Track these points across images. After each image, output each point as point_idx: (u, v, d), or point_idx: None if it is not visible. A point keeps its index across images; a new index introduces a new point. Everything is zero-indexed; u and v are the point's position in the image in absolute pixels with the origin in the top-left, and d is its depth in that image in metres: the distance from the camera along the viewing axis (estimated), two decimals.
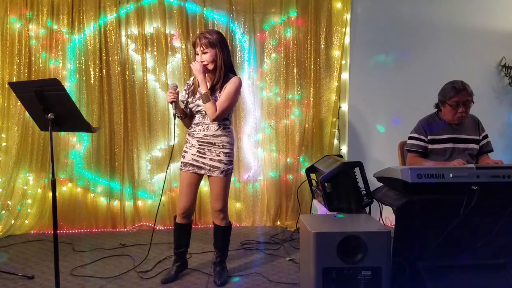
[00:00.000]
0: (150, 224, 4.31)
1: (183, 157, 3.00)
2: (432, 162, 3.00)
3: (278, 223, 4.49)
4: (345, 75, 4.44)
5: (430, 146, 3.09)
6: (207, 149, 2.91)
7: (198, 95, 2.90)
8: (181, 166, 3.01)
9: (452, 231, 2.28)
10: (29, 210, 4.20)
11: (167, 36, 4.22)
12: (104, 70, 4.20)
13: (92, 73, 4.19)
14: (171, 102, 2.85)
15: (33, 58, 4.15)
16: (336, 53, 4.39)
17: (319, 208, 3.01)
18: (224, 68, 2.85)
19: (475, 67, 4.41)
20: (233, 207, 4.46)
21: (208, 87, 2.86)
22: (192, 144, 2.95)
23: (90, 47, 4.18)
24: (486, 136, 3.15)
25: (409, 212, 2.33)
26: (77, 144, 4.29)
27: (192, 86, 2.99)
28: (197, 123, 2.94)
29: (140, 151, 4.31)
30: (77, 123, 2.58)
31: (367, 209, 2.76)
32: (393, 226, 2.47)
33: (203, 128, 2.91)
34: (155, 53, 4.25)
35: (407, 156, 3.20)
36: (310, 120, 4.42)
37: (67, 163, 4.25)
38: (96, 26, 4.16)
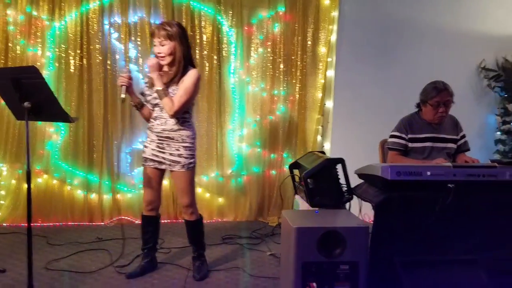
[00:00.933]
0: (129, 218, 4.34)
1: (144, 152, 3.01)
2: (413, 160, 3.12)
3: (260, 218, 4.56)
4: (330, 73, 4.53)
5: (410, 144, 3.20)
6: (166, 144, 2.92)
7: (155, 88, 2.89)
8: (142, 161, 3.03)
9: (428, 228, 2.39)
10: (2, 202, 4.17)
11: (151, 26, 4.19)
12: (84, 59, 4.17)
13: (72, 61, 4.16)
14: (121, 86, 2.85)
15: (10, 44, 4.08)
16: (322, 50, 4.48)
17: (301, 203, 3.08)
18: (183, 61, 2.86)
19: (457, 68, 4.58)
20: (215, 202, 4.50)
21: (167, 80, 2.88)
22: (152, 139, 2.96)
23: (70, 35, 4.14)
24: (464, 136, 3.29)
25: (388, 208, 2.42)
26: (54, 134, 4.25)
27: (150, 79, 2.98)
28: (156, 117, 2.94)
29: (120, 143, 4.30)
30: (55, 113, 2.55)
31: (347, 205, 2.84)
32: (372, 222, 2.56)
33: (161, 123, 2.91)
34: (138, 43, 4.25)
35: (388, 154, 3.31)
36: (295, 117, 4.50)
37: (43, 154, 4.21)
38: (77, 13, 4.12)
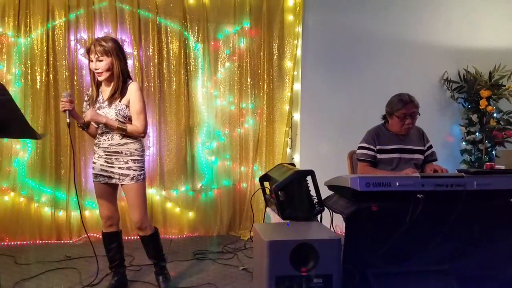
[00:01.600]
0: (98, 235, 4.17)
1: (93, 168, 2.93)
2: (383, 171, 3.10)
3: (232, 232, 4.49)
4: (297, 86, 4.53)
5: (378, 155, 3.18)
6: (115, 158, 2.85)
7: (97, 104, 2.85)
8: (93, 177, 2.95)
9: (399, 238, 2.36)
10: None
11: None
12: (51, 75, 4.07)
13: (38, 78, 4.05)
14: (64, 111, 2.75)
15: None
16: (288, 64, 4.48)
17: (272, 216, 3.03)
18: (122, 76, 2.81)
19: (420, 80, 4.64)
20: (186, 217, 4.41)
21: (107, 96, 2.83)
22: (99, 155, 2.89)
23: (37, 51, 4.04)
24: (430, 147, 3.29)
25: (358, 219, 2.39)
26: (20, 151, 4.11)
27: (90, 97, 2.92)
28: (101, 133, 2.87)
29: (87, 159, 4.18)
30: (22, 130, 2.46)
31: (319, 217, 2.79)
32: (343, 234, 2.51)
33: (107, 138, 2.85)
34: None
35: (357, 165, 3.28)
36: (264, 129, 4.47)
37: (10, 171, 4.07)
38: (43, 29, 4.03)
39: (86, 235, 4.15)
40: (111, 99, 2.81)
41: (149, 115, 4.26)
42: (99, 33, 4.12)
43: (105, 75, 2.78)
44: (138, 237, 3.07)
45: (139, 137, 2.87)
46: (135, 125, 2.82)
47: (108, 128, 2.83)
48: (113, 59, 2.77)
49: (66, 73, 4.09)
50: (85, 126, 2.88)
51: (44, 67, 4.05)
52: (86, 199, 4.20)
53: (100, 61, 2.75)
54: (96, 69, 2.77)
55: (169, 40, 4.28)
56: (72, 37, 4.10)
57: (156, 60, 4.23)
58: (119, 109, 2.80)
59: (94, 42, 2.80)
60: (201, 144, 4.43)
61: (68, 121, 2.73)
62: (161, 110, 4.30)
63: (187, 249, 3.99)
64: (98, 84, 2.88)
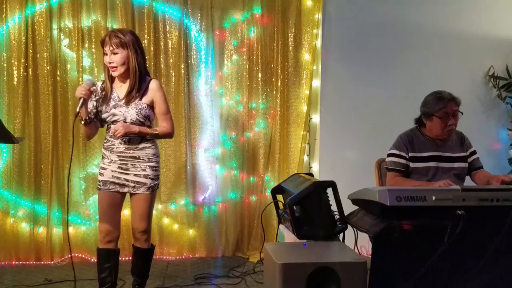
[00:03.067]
0: (83, 256, 4.23)
1: (101, 174, 3.00)
2: (416, 182, 3.09)
3: (239, 253, 4.50)
4: (316, 83, 4.54)
5: (411, 164, 3.18)
6: (131, 164, 2.96)
7: (112, 102, 2.95)
8: (99, 185, 3.01)
9: (435, 261, 2.34)
10: None
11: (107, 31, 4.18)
12: (30, 70, 4.13)
13: (15, 72, 4.11)
14: (79, 98, 2.84)
15: None
16: (306, 57, 4.49)
17: (286, 235, 3.02)
18: (139, 72, 2.92)
19: (460, 76, 4.62)
20: (186, 235, 4.43)
21: (124, 94, 2.93)
22: (112, 160, 2.97)
23: (13, 42, 4.10)
24: (474, 152, 3.28)
25: (387, 239, 2.37)
26: None
27: (104, 92, 3.00)
28: (112, 138, 2.97)
29: (72, 167, 4.19)
30: None
31: (341, 236, 2.79)
32: (370, 256, 2.50)
33: (124, 141, 2.95)
34: (93, 50, 4.22)
35: (386, 175, 3.28)
36: (277, 133, 4.48)
37: None
38: (21, 17, 4.08)
39: (69, 256, 4.20)
40: (129, 97, 2.92)
41: None
42: (86, 22, 4.18)
43: (120, 69, 2.89)
44: (132, 247, 3.17)
45: (168, 138, 3.10)
46: (164, 127, 3.00)
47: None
48: (129, 52, 2.88)
49: (48, 67, 4.13)
50: (89, 121, 2.95)
51: (22, 60, 4.10)
52: (70, 214, 4.18)
53: (115, 53, 2.86)
54: (110, 63, 2.87)
55: (167, 30, 4.32)
56: (54, 26, 4.15)
57: (152, 53, 4.26)
58: (140, 108, 2.91)
59: (109, 33, 2.91)
60: (203, 150, 4.44)
61: (77, 110, 2.83)
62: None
63: (186, 273, 4.00)
64: (112, 80, 2.98)
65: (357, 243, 2.74)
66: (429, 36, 4.62)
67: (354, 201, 2.73)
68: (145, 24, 4.25)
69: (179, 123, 4.34)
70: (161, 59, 4.31)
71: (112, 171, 2.97)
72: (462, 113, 3.17)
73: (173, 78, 4.34)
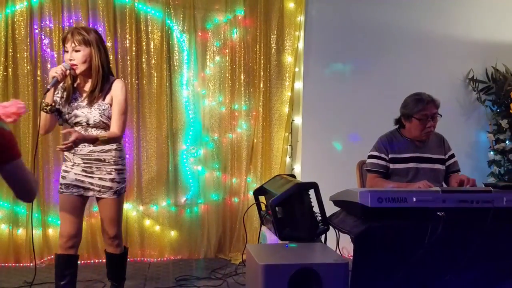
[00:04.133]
0: None
1: (63, 178, 2.90)
2: (395, 183, 3.11)
3: (221, 255, 4.48)
4: (298, 84, 4.55)
5: (391, 165, 3.21)
6: (96, 167, 2.87)
7: (74, 103, 2.84)
8: (61, 188, 2.91)
9: (415, 262, 2.35)
10: None
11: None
12: (10, 69, 4.09)
13: None
14: (53, 77, 2.71)
15: None
16: (288, 59, 4.50)
17: (268, 236, 3.03)
18: (102, 71, 2.83)
19: (440, 79, 4.66)
20: (167, 236, 4.41)
21: (86, 94, 2.83)
22: (75, 163, 2.88)
23: None
24: (452, 156, 3.31)
25: (369, 240, 2.38)
26: None
27: (66, 92, 2.88)
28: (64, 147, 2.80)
29: (51, 167, 4.17)
30: None
31: (323, 237, 2.79)
32: (351, 257, 2.51)
33: (88, 144, 2.84)
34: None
35: (367, 177, 3.30)
36: (259, 135, 4.48)
37: None
38: (1, 16, 4.04)
39: (49, 257, 4.14)
40: (91, 97, 2.82)
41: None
42: (67, 22, 4.13)
43: (81, 68, 2.79)
44: (134, 259, 3.11)
45: (116, 142, 2.89)
46: (112, 129, 2.83)
47: (87, 132, 2.83)
48: (92, 50, 2.79)
49: (28, 67, 4.09)
50: (53, 109, 2.79)
51: (2, 59, 4.06)
52: (49, 215, 4.18)
53: (77, 51, 2.76)
54: (71, 60, 2.77)
55: (149, 30, 4.30)
56: (35, 25, 4.11)
57: (133, 53, 4.24)
58: (103, 109, 2.83)
59: (72, 29, 2.81)
60: (185, 151, 4.43)
61: (48, 87, 2.70)
62: (139, 111, 4.30)
63: (168, 275, 3.98)
64: (73, 79, 2.87)
65: (339, 244, 2.74)
66: (410, 38, 4.65)
67: (336, 203, 2.74)
68: (127, 25, 4.22)
69: (161, 124, 4.34)
70: (143, 59, 4.29)
71: (75, 174, 2.86)
72: (441, 116, 3.20)
73: (155, 78, 4.32)
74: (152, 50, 4.31)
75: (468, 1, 4.80)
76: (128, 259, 4.21)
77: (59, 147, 2.66)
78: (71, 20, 4.14)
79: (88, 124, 2.82)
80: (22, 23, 4.08)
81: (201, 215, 4.47)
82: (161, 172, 4.37)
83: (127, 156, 4.23)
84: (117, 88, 2.87)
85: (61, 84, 2.86)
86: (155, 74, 4.32)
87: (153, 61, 4.31)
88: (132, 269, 4.01)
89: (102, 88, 2.84)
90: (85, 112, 2.82)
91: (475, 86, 4.81)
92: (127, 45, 4.23)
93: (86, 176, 2.87)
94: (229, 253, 4.48)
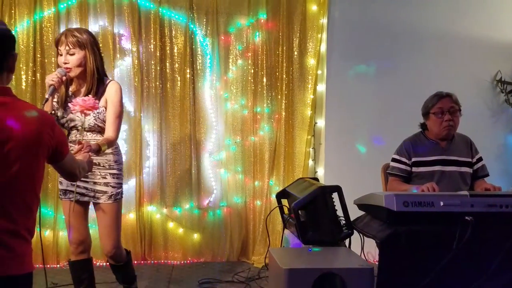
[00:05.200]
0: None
1: (61, 183, 2.87)
2: (407, 186, 3.11)
3: (244, 258, 4.48)
4: (321, 87, 4.52)
5: (415, 169, 3.18)
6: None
7: (71, 107, 2.75)
8: (60, 194, 2.89)
9: (443, 268, 2.31)
10: None
11: (115, 36, 4.19)
12: (38, 74, 4.13)
13: (23, 77, 4.12)
14: (49, 86, 2.64)
15: None
16: (311, 61, 4.47)
17: (291, 240, 3.00)
18: (97, 74, 2.78)
19: (467, 80, 4.55)
20: (190, 239, 4.41)
21: (82, 94, 2.78)
22: None
23: (22, 47, 4.10)
24: (480, 159, 3.24)
25: (395, 245, 2.34)
26: None
27: (60, 96, 2.82)
28: (74, 141, 2.78)
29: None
30: None
31: (347, 241, 2.75)
32: (377, 262, 2.48)
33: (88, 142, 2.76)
34: (102, 55, 4.19)
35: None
36: (282, 138, 4.46)
37: None
38: (30, 22, 4.10)
39: None
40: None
41: (149, 120, 4.30)
42: (93, 27, 4.17)
43: (76, 71, 2.73)
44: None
45: (113, 145, 2.83)
46: (107, 133, 2.76)
47: (83, 135, 2.78)
48: (87, 52, 2.72)
49: None
50: (53, 115, 2.75)
51: (31, 65, 4.11)
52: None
53: (72, 54, 2.70)
54: (65, 63, 2.70)
55: (173, 35, 4.33)
56: (62, 31, 4.14)
57: (158, 58, 4.27)
58: (98, 112, 2.77)
59: (65, 32, 2.75)
60: (208, 154, 4.44)
61: (47, 97, 2.62)
62: (163, 114, 4.32)
63: (191, 277, 3.98)
64: (67, 83, 2.80)
65: (364, 249, 2.71)
66: (435, 39, 4.58)
67: (360, 206, 2.72)
68: (152, 29, 4.26)
69: (184, 127, 4.36)
70: (167, 64, 4.32)
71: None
72: (460, 110, 3.16)
73: (179, 82, 4.34)
74: (175, 54, 4.33)
75: (496, 1, 4.69)
76: (152, 262, 4.28)
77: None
78: (97, 26, 4.19)
79: (83, 128, 2.78)
80: (49, 28, 4.14)
81: (224, 218, 4.47)
82: (184, 175, 4.38)
83: (150, 158, 4.28)
84: (112, 91, 2.80)
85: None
86: (179, 78, 4.34)
87: (176, 65, 4.34)
88: (155, 271, 4.04)
89: (96, 91, 2.78)
90: (80, 116, 2.75)
91: (503, 88, 4.70)
92: (151, 49, 4.27)
93: (81, 180, 2.76)
94: (251, 257, 4.46)
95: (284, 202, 3.18)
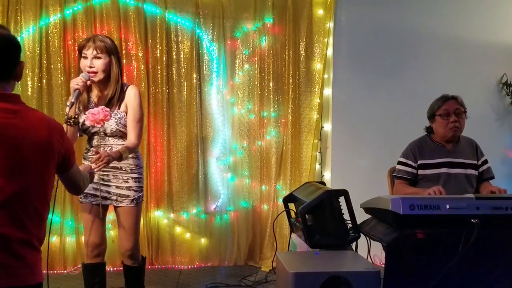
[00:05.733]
0: None
1: None
2: (414, 189, 3.11)
3: (251, 262, 4.49)
4: (327, 91, 4.53)
5: (421, 172, 3.19)
6: (112, 175, 2.86)
7: (84, 118, 2.77)
8: (80, 198, 2.93)
9: (449, 272, 2.31)
10: None
11: (121, 42, 4.21)
12: (44, 80, 4.15)
13: (29, 83, 4.13)
14: (74, 90, 2.68)
15: None
16: (317, 65, 4.49)
17: (298, 244, 3.01)
18: (121, 80, 2.85)
19: (473, 84, 4.58)
20: (197, 244, 4.42)
21: (103, 103, 2.82)
22: None
23: (28, 53, 4.12)
24: (485, 162, 3.26)
25: (401, 248, 2.36)
26: None
27: (82, 102, 2.86)
28: (97, 146, 2.84)
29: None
30: None
31: (354, 245, 2.76)
32: (383, 265, 2.48)
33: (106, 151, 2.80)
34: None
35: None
36: (289, 142, 4.48)
37: None
38: (36, 28, 4.12)
39: (81, 265, 4.21)
40: (108, 106, 2.80)
41: (156, 125, 4.33)
42: (100, 33, 4.18)
43: (100, 76, 2.78)
44: (122, 266, 3.06)
45: (136, 150, 2.90)
46: (130, 139, 2.82)
47: (105, 140, 2.84)
48: (112, 59, 2.80)
49: (62, 78, 4.16)
50: (76, 121, 2.73)
51: (37, 71, 4.13)
52: (82, 223, 4.22)
53: (98, 58, 2.76)
54: (91, 67, 2.75)
55: (179, 40, 4.35)
56: (68, 37, 4.19)
57: (164, 63, 4.29)
58: (119, 118, 2.82)
59: (92, 37, 2.82)
60: (215, 159, 4.45)
61: (73, 100, 2.66)
62: (170, 119, 4.34)
63: (198, 282, 3.99)
64: (88, 88, 2.85)
65: (370, 252, 2.72)
66: (441, 43, 4.59)
67: (367, 210, 2.73)
68: (158, 34, 4.28)
69: (191, 132, 4.37)
70: (173, 69, 4.33)
71: (93, 182, 2.80)
72: (465, 113, 3.18)
73: (185, 87, 4.35)
74: (182, 59, 4.35)
75: (500, 5, 4.71)
76: (160, 266, 4.31)
77: (94, 169, 2.56)
78: (104, 31, 4.21)
79: (105, 134, 2.83)
80: (55, 34, 4.16)
81: (231, 222, 4.47)
82: (191, 179, 4.39)
83: (157, 163, 4.32)
84: (131, 95, 2.85)
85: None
86: (185, 83, 4.35)
87: (183, 70, 4.35)
88: (163, 276, 4.06)
89: (118, 97, 2.84)
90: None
91: (509, 91, 4.72)
92: (158, 55, 4.29)
93: (103, 184, 2.84)
94: (259, 261, 4.47)
95: (291, 206, 3.20)
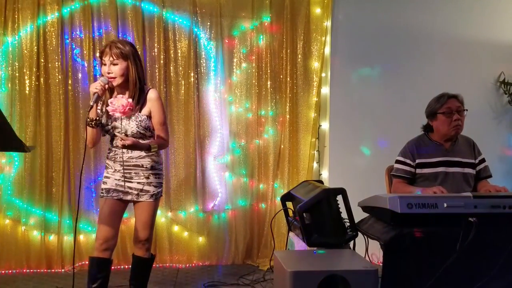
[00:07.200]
0: None
1: (105, 183, 3.01)
2: (414, 188, 3.11)
3: (249, 261, 4.49)
4: (325, 90, 4.53)
5: (419, 170, 3.19)
6: (134, 173, 2.98)
7: (116, 114, 2.89)
8: (102, 192, 3.01)
9: (447, 270, 2.32)
10: None
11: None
12: (42, 79, 4.16)
13: (27, 81, 4.14)
14: (94, 93, 2.81)
15: None
16: (315, 64, 4.49)
17: (296, 242, 3.02)
18: (139, 83, 2.93)
19: (470, 82, 4.59)
20: (195, 242, 4.43)
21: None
22: (115, 169, 2.99)
23: (25, 51, 4.14)
24: (483, 160, 3.26)
25: (399, 247, 2.36)
26: (6, 166, 4.19)
27: (104, 105, 2.96)
28: (118, 146, 2.90)
29: (83, 174, 4.20)
30: (7, 141, 2.45)
31: (351, 243, 2.78)
32: (381, 264, 2.49)
33: (127, 150, 2.95)
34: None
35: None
36: (286, 140, 4.47)
37: None
38: (33, 26, 4.13)
39: (80, 263, 4.21)
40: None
41: None
42: (97, 32, 4.22)
43: (119, 80, 2.89)
44: (162, 265, 3.14)
45: (166, 146, 3.11)
46: (161, 138, 2.99)
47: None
48: (129, 63, 2.89)
49: (59, 77, 4.17)
50: (97, 123, 2.92)
51: (34, 70, 4.14)
52: (81, 222, 4.23)
53: (115, 64, 2.87)
54: (109, 73, 2.87)
55: (176, 38, 4.35)
56: (66, 36, 4.19)
57: (162, 61, 4.30)
58: (140, 120, 2.92)
59: (109, 43, 2.91)
60: (213, 157, 4.45)
61: (91, 104, 2.80)
62: (167, 118, 4.33)
63: (196, 281, 4.00)
64: (110, 92, 2.98)
65: (368, 251, 2.73)
66: (439, 41, 4.60)
67: (365, 208, 2.73)
68: (155, 33, 4.28)
69: (188, 131, 4.37)
70: (171, 67, 4.34)
71: (115, 179, 2.98)
72: (466, 110, 3.18)
73: (183, 86, 4.36)
74: (179, 58, 4.35)
75: (497, 3, 4.72)
76: (158, 265, 4.31)
77: (120, 142, 2.74)
78: (101, 30, 4.21)
79: (126, 135, 2.91)
80: (53, 33, 4.17)
81: (229, 221, 4.48)
82: (189, 178, 4.40)
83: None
84: (153, 100, 2.96)
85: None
86: (183, 82, 4.36)
87: (180, 68, 4.35)
88: (160, 275, 4.06)
89: (138, 100, 2.93)
90: (123, 124, 2.92)
91: (506, 89, 4.73)
92: (155, 53, 4.29)
93: (125, 181, 2.97)
94: (256, 259, 4.47)
95: (289, 204, 3.21)
